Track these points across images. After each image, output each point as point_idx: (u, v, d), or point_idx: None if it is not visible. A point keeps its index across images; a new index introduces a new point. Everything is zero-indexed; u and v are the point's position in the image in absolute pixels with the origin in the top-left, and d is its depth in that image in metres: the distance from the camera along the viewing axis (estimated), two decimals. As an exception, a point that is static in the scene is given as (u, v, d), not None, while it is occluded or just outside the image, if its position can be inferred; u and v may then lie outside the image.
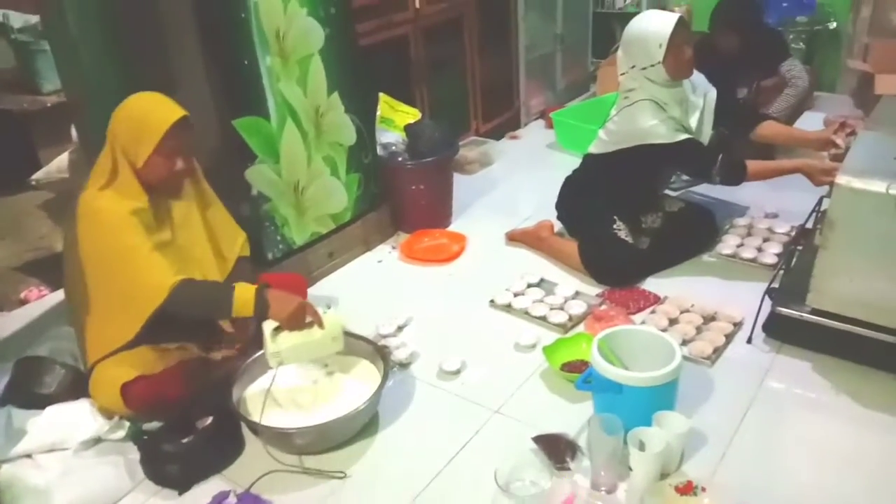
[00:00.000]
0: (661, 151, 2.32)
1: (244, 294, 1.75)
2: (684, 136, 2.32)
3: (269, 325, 1.78)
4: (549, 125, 3.94)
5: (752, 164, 2.32)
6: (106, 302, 1.78)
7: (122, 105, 1.78)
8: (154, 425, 1.82)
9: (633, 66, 2.35)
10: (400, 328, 2.29)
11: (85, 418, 1.81)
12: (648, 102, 2.33)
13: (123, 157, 1.76)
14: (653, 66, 2.30)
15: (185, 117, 1.77)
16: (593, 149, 2.55)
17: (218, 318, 1.92)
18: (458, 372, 2.06)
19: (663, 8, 4.73)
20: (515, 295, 2.40)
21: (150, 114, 1.76)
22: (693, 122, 2.41)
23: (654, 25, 2.29)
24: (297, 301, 1.77)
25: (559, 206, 2.71)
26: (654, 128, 2.31)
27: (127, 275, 1.73)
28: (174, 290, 1.71)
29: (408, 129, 2.89)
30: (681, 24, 2.28)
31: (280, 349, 1.76)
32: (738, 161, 2.32)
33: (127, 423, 1.82)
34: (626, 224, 2.50)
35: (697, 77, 2.47)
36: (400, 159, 2.85)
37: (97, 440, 1.79)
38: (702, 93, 2.46)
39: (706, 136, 2.46)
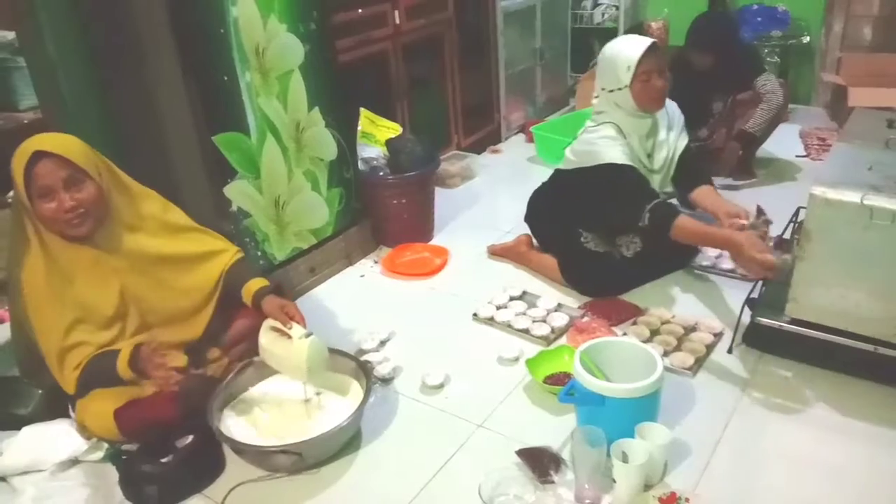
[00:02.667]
0: (604, 172, 2.25)
1: (121, 362, 1.72)
2: (631, 164, 2.24)
3: (267, 323, 1.85)
4: (530, 139, 3.97)
5: (683, 221, 2.11)
6: None
7: None
8: (133, 445, 1.79)
9: (602, 89, 2.33)
10: (382, 343, 2.28)
11: (62, 439, 1.77)
12: (611, 125, 2.30)
13: (26, 213, 1.68)
14: (620, 90, 2.25)
15: (39, 152, 1.61)
16: (561, 165, 2.54)
17: (122, 384, 1.76)
18: (441, 386, 2.05)
19: (640, 22, 4.81)
20: (498, 308, 2.40)
21: (14, 160, 1.63)
22: (657, 162, 2.36)
23: (626, 49, 2.24)
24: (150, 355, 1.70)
25: (528, 217, 2.72)
26: (607, 148, 2.25)
27: (46, 356, 1.74)
28: (79, 382, 1.74)
29: (389, 143, 2.90)
30: (653, 51, 2.22)
31: (262, 343, 1.83)
32: (674, 210, 2.16)
33: (105, 445, 1.79)
34: (592, 233, 2.49)
35: (673, 109, 2.42)
36: (381, 174, 2.85)
37: (74, 461, 1.76)
38: (678, 128, 2.40)
39: (665, 182, 2.41)
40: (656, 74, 2.23)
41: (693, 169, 2.43)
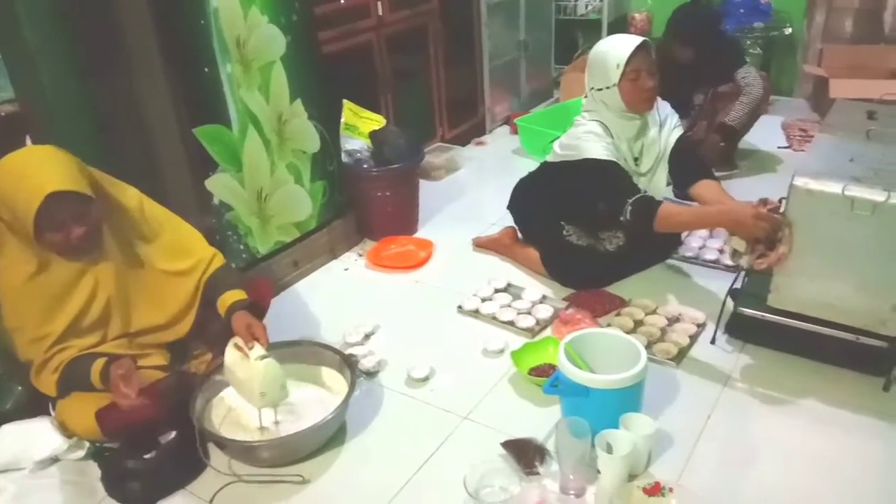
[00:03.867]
0: (586, 167, 2.22)
1: (94, 374, 1.69)
2: (613, 160, 2.20)
3: (233, 340, 1.76)
4: (514, 131, 3.97)
5: (667, 209, 2.08)
6: None
7: None
8: (115, 444, 1.77)
9: (591, 88, 2.29)
10: (367, 336, 2.27)
11: (43, 437, 1.75)
12: (597, 123, 2.27)
13: (9, 228, 1.63)
14: (608, 88, 2.21)
15: (55, 193, 1.53)
16: (548, 158, 2.52)
17: (96, 390, 1.72)
18: (426, 379, 2.05)
19: (624, 14, 4.82)
20: (483, 300, 2.40)
21: (16, 199, 1.56)
22: (645, 165, 2.33)
23: (616, 46, 2.21)
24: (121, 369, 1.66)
25: (511, 206, 2.72)
26: (590, 143, 2.23)
27: (31, 365, 1.74)
28: (58, 386, 1.73)
29: (373, 135, 2.88)
30: (644, 49, 2.18)
31: (226, 362, 1.75)
32: (656, 202, 2.13)
33: (86, 443, 1.77)
34: (574, 226, 2.48)
35: (665, 109, 2.37)
36: (365, 166, 2.84)
37: (55, 459, 1.74)
38: (670, 126, 2.34)
39: (658, 184, 2.35)
40: (646, 73, 2.19)
41: (690, 160, 2.34)
